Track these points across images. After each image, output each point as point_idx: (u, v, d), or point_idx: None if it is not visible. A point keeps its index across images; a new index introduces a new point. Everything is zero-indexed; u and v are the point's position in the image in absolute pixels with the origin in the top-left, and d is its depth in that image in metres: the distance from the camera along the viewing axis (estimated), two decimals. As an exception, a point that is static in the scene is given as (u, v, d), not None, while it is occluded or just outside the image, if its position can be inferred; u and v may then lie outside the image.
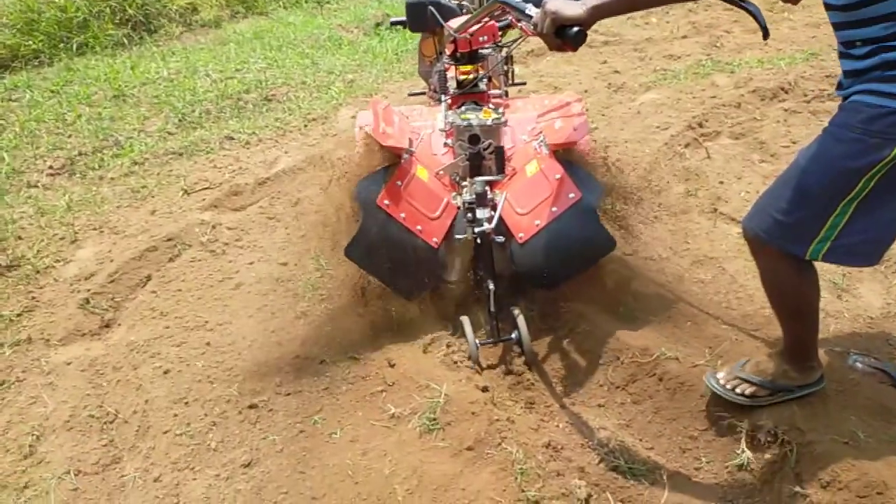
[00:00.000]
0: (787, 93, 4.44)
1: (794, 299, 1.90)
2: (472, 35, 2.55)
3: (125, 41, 6.35)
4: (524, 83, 4.06)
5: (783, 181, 1.78)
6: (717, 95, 4.47)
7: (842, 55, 1.66)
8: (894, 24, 1.50)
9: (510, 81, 3.42)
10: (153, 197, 3.71)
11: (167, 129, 4.53)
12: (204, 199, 3.61)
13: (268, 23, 7.07)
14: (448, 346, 2.47)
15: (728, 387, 2.02)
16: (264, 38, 6.45)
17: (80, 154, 4.26)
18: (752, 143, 3.86)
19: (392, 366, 2.37)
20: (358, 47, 6.11)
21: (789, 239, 1.75)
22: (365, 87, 5.17)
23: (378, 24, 6.64)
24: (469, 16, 2.64)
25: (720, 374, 2.07)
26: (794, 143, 3.79)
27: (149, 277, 3.02)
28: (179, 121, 4.64)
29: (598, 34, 5.87)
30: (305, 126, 4.55)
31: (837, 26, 1.62)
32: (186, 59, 5.84)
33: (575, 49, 1.75)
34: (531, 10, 1.87)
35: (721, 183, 3.46)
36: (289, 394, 2.35)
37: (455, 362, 2.39)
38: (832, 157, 1.65)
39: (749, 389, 2.00)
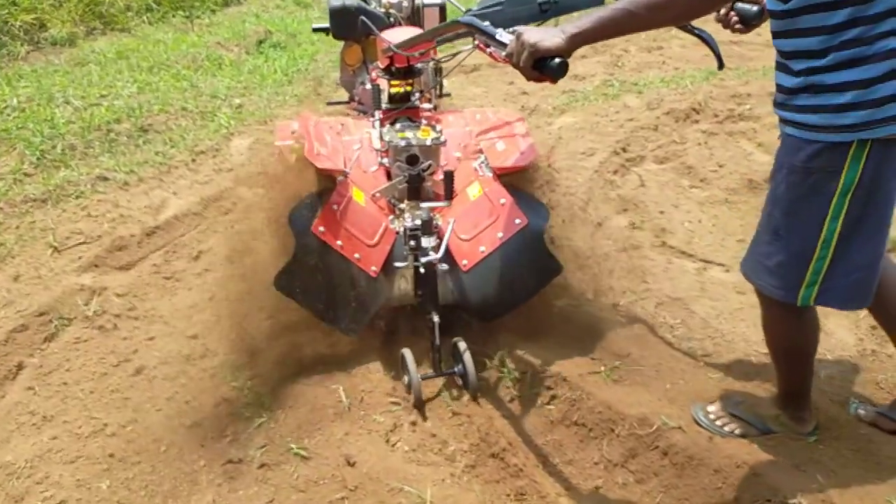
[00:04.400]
0: (698, 113, 4.45)
1: (787, 344, 1.91)
2: (420, 54, 2.35)
3: (-43, 63, 5.43)
4: (449, 94, 3.78)
5: (760, 224, 1.78)
6: (633, 118, 4.40)
7: (778, 67, 1.63)
8: (832, 37, 1.46)
9: (439, 94, 3.17)
10: (14, 258, 3.03)
11: (23, 170, 3.79)
12: (80, 258, 3.00)
13: (132, 40, 6.31)
14: (413, 430, 2.10)
15: (718, 423, 2.01)
16: (130, 57, 5.72)
17: None
18: (680, 168, 3.79)
19: (351, 464, 1.97)
20: (242, 67, 5.56)
21: (777, 284, 1.73)
22: (256, 112, 4.66)
23: (261, 42, 6.12)
24: (419, 32, 2.45)
25: (710, 408, 2.05)
26: (720, 166, 3.76)
27: (20, 367, 2.40)
28: (38, 159, 3.90)
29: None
30: (193, 160, 3.99)
31: (777, 35, 1.59)
32: (38, 84, 5.04)
33: (555, 81, 1.57)
34: (503, 35, 1.66)
35: (662, 213, 3.33)
36: (225, 514, 1.88)
37: (428, 453, 2.02)
38: (788, 198, 1.65)
39: (739, 429, 1.99)
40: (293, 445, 2.05)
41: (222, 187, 3.59)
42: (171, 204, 3.48)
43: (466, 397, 2.22)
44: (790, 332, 1.85)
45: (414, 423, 2.11)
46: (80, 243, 3.12)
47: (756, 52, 5.57)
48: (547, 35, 1.50)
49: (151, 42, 6.19)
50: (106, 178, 3.71)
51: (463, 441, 2.09)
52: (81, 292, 2.75)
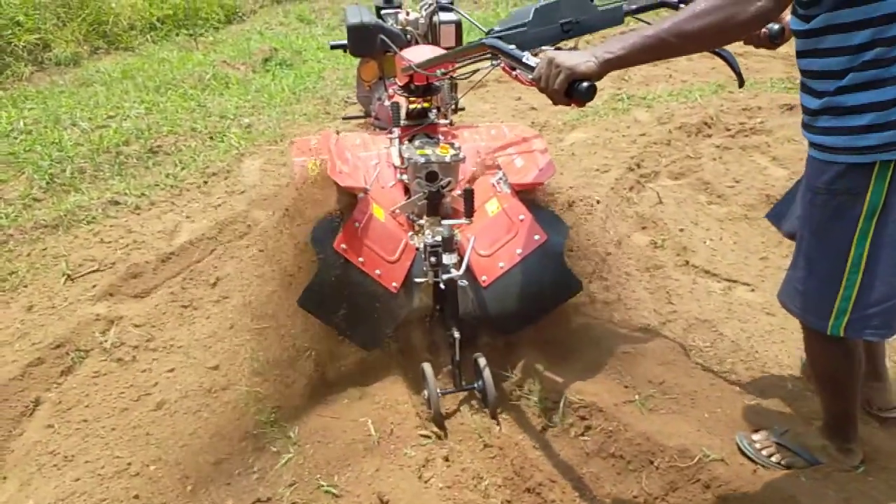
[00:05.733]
0: (710, 127, 4.42)
1: (829, 372, 1.87)
2: (443, 73, 2.37)
3: (-39, 85, 5.39)
4: (463, 108, 3.77)
5: (795, 250, 1.75)
6: (645, 133, 4.36)
7: (803, 88, 1.62)
8: (853, 58, 1.45)
9: (454, 109, 3.18)
10: (26, 287, 2.98)
11: (32, 195, 3.75)
12: (95, 286, 2.95)
13: (137, 59, 6.29)
14: (447, 464, 2.04)
15: (764, 453, 1.96)
16: (136, 77, 5.69)
17: (-84, 233, 3.41)
18: (696, 184, 3.75)
19: (385, 502, 1.91)
20: (249, 86, 5.52)
21: (809, 311, 1.71)
22: (266, 132, 4.61)
23: (267, 60, 6.09)
24: (438, 50, 2.51)
25: (756, 437, 2.01)
26: (737, 181, 3.72)
27: (37, 403, 2.35)
28: (47, 183, 3.86)
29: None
30: (205, 182, 3.94)
31: (800, 54, 1.58)
32: (44, 105, 5.00)
33: (583, 105, 1.55)
34: (530, 59, 1.62)
35: (681, 230, 3.28)
36: (258, 558, 1.82)
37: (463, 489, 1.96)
38: (815, 221, 1.63)
39: (787, 459, 1.94)
40: (323, 483, 1.99)
41: (236, 210, 3.54)
42: (184, 228, 3.43)
43: (497, 427, 2.18)
44: (830, 359, 1.81)
45: (447, 458, 2.05)
46: (93, 271, 3.07)
47: (763, 63, 5.56)
48: (581, 59, 1.47)
49: (156, 61, 6.16)
50: (117, 203, 3.66)
51: (496, 475, 2.03)
52: (97, 322, 2.70)
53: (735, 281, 2.89)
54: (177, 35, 7.05)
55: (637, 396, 2.21)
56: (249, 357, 2.48)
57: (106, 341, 2.58)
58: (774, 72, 5.38)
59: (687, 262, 3.03)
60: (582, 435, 2.13)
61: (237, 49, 6.38)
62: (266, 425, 2.21)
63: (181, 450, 2.15)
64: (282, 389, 2.32)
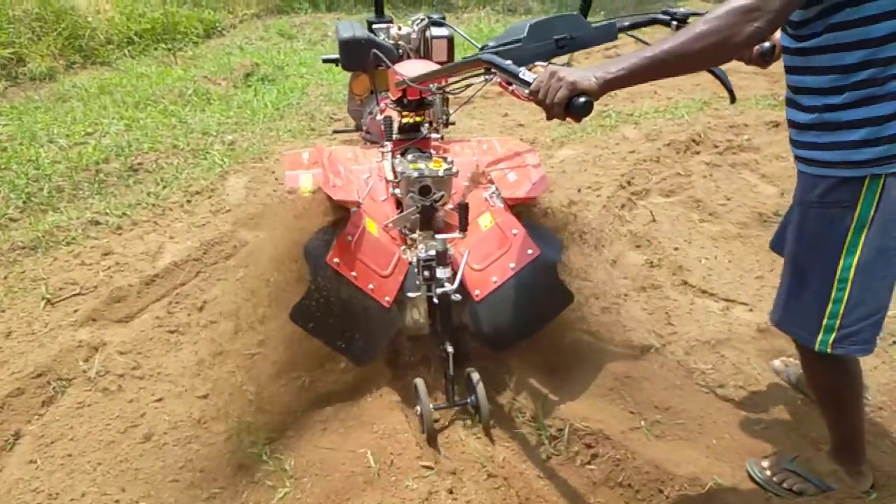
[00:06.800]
0: (698, 144, 4.43)
1: (827, 391, 1.87)
2: (438, 88, 2.33)
3: (-68, 100, 5.23)
4: (454, 123, 3.73)
5: (784, 267, 1.76)
6: (635, 150, 4.36)
7: (789, 103, 1.66)
8: (844, 76, 1.48)
9: (445, 123, 3.15)
10: (4, 312, 2.85)
11: (9, 215, 3.62)
12: (76, 311, 2.83)
13: (114, 74, 6.16)
14: (451, 498, 1.97)
15: (775, 479, 1.94)
16: (114, 93, 5.57)
17: None
18: (688, 202, 3.74)
19: (388, 538, 1.84)
20: (231, 102, 5.43)
21: (799, 326, 1.73)
22: (250, 149, 4.52)
23: (248, 75, 6.00)
24: (432, 65, 2.50)
25: (766, 463, 1.98)
26: (728, 199, 3.72)
27: (18, 436, 2.23)
28: (24, 203, 3.74)
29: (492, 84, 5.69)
30: (188, 201, 3.84)
31: (789, 70, 1.62)
32: (19, 121, 4.86)
33: (579, 120, 1.55)
34: (526, 74, 1.61)
35: (676, 249, 3.26)
36: None
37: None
38: (806, 235, 1.66)
39: (798, 485, 1.91)
40: (322, 516, 1.91)
41: (221, 230, 3.45)
42: (168, 249, 3.33)
43: (502, 456, 2.11)
44: (828, 377, 1.81)
45: (451, 491, 1.98)
46: (74, 294, 2.95)
47: (747, 80, 5.61)
48: (583, 75, 1.46)
49: (135, 76, 6.04)
50: (97, 223, 3.55)
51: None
52: (80, 349, 2.58)
53: (733, 301, 2.87)
54: (155, 49, 6.94)
55: (643, 423, 2.17)
56: (240, 385, 2.39)
57: (90, 369, 2.47)
58: (758, 88, 5.44)
59: (684, 282, 3.01)
60: (588, 463, 2.07)
61: (218, 64, 6.28)
62: (260, 457, 2.12)
63: (171, 485, 2.06)
64: (275, 418, 2.24)
